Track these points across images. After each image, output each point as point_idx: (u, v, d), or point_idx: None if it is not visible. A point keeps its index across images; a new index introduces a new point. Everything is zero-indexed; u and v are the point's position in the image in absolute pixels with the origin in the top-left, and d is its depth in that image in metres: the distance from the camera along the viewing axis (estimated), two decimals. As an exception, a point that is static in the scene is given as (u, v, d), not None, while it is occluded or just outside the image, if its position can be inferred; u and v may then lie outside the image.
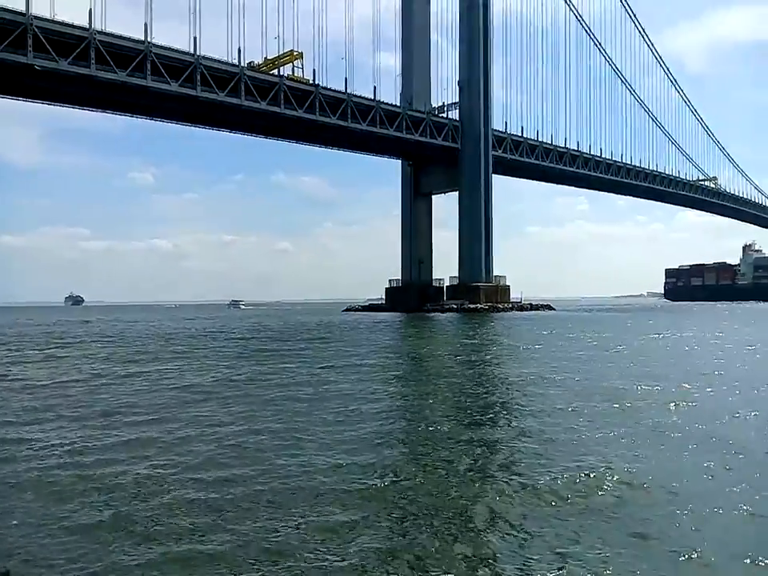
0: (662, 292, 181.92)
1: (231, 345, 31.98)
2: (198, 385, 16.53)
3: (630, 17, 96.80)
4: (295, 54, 68.11)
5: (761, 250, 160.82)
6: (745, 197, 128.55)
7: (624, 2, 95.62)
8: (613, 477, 7.57)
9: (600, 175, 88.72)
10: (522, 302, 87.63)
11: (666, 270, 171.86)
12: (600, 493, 7.12)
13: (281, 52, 67.12)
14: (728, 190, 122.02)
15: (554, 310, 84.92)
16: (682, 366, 19.73)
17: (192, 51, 56.54)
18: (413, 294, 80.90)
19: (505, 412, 12.54)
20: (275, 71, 65.40)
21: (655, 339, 32.81)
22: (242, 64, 60.52)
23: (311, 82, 66.20)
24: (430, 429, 10.79)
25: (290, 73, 66.71)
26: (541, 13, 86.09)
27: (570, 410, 12.14)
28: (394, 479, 7.79)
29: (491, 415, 12.18)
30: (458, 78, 78.58)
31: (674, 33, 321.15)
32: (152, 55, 53.16)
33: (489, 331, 42.12)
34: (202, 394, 14.83)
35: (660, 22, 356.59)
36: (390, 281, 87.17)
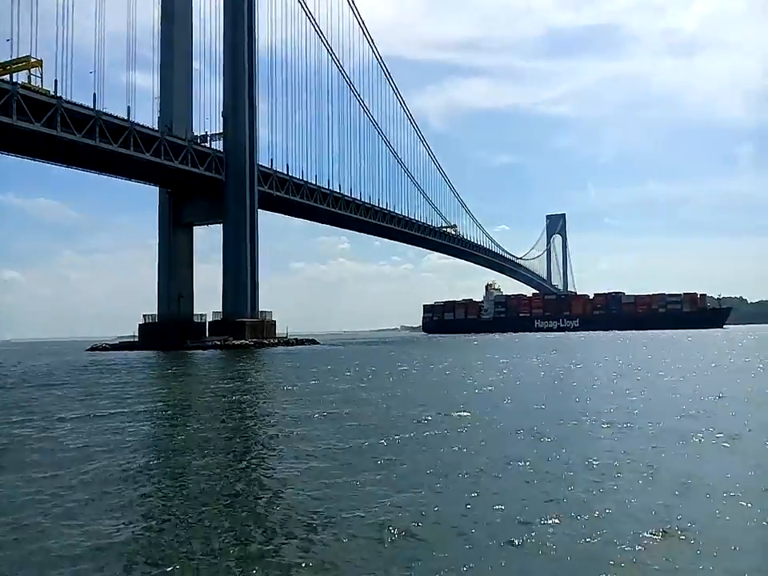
0: (414, 325, 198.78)
1: None
2: None
3: (385, 74, 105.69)
4: (33, 60, 60.67)
5: (500, 289, 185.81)
6: (479, 243, 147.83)
7: (380, 61, 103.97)
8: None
9: (359, 217, 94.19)
10: (288, 337, 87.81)
11: (423, 305, 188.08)
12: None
13: (14, 57, 59.32)
14: (466, 237, 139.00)
15: (319, 344, 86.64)
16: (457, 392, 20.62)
17: None
18: (171, 330, 75.63)
19: (256, 460, 11.88)
20: (6, 77, 57.44)
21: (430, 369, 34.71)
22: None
23: (52, 93, 59.37)
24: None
25: (26, 81, 59.25)
26: (305, 58, 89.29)
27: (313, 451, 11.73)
28: None
29: (239, 466, 11.33)
30: (222, 109, 77.28)
31: (420, 94, 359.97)
32: None
33: (251, 368, 40.74)
34: None
35: (409, 83, 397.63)
36: (144, 316, 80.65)
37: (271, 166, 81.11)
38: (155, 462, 12.11)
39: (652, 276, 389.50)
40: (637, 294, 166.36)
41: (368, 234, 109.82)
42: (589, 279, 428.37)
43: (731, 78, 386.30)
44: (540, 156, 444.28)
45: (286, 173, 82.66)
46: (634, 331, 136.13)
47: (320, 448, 12.47)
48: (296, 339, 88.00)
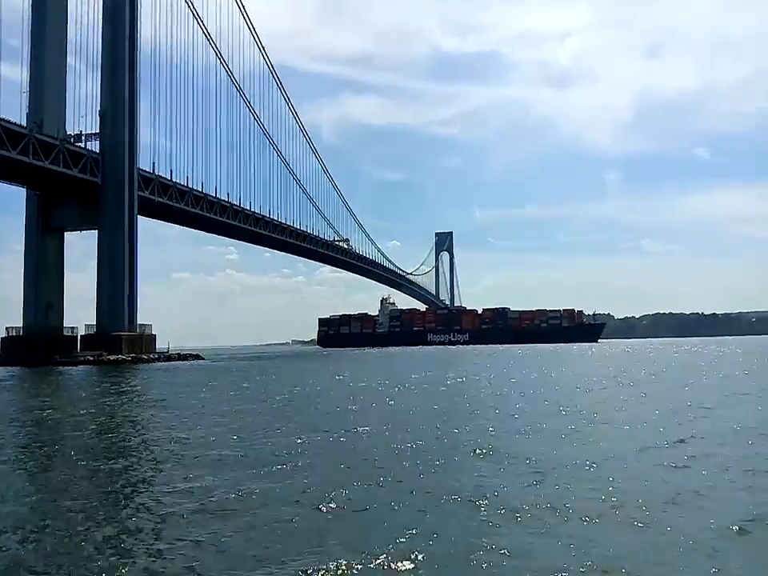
0: (306, 339, 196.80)
1: None
2: None
3: (277, 82, 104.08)
4: None
5: (394, 303, 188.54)
6: (372, 258, 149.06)
7: (271, 69, 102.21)
8: None
9: (249, 227, 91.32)
10: (170, 352, 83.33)
11: (319, 319, 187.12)
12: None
13: None
14: (358, 251, 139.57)
15: (203, 359, 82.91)
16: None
17: None
18: (38, 344, 69.00)
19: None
20: None
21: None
22: None
23: None
24: None
25: None
26: (192, 60, 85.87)
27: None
28: None
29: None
30: (99, 108, 72.34)
31: (313, 106, 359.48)
32: None
33: (123, 387, 37.51)
34: None
35: (301, 94, 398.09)
36: (7, 329, 73.18)
37: (153, 170, 76.82)
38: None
39: (534, 292, 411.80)
40: (522, 309, 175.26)
41: (258, 244, 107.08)
42: (475, 295, 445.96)
43: (600, 109, 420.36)
44: (430, 174, 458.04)
45: (169, 178, 78.58)
46: (519, 345, 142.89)
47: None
48: (178, 354, 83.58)
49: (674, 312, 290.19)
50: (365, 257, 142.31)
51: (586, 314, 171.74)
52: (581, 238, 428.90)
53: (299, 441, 14.80)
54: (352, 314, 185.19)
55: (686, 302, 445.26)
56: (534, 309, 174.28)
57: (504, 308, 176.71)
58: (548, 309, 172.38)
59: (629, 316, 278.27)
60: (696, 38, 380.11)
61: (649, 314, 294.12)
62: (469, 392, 29.02)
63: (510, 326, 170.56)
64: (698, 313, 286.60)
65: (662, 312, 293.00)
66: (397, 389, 31.00)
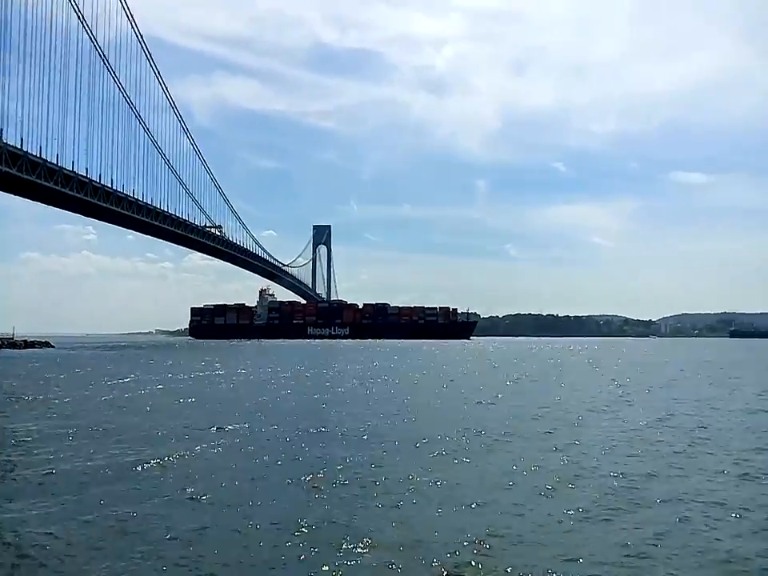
0: (172, 329, 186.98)
1: None
2: None
3: (146, 54, 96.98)
4: None
5: (273, 295, 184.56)
6: (246, 247, 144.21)
7: (140, 39, 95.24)
8: None
9: (110, 207, 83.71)
10: (15, 338, 75.68)
11: (192, 308, 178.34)
12: None
13: None
14: (232, 239, 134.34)
15: (53, 347, 76.08)
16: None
17: None
18: None
19: None
20: None
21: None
22: None
23: None
24: None
25: None
26: (50, 19, 77.11)
27: None
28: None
29: None
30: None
31: (185, 83, 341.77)
32: None
33: None
34: None
35: (173, 69, 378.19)
36: None
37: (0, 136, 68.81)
38: None
39: (412, 289, 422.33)
40: (401, 305, 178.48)
41: (120, 226, 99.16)
42: (351, 289, 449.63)
43: (471, 118, 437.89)
44: (306, 166, 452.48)
45: (19, 147, 70.68)
46: (398, 340, 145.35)
47: None
48: (24, 341, 76.33)
49: (532, 313, 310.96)
50: (238, 245, 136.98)
51: (460, 312, 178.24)
52: (452, 239, 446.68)
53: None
54: (228, 304, 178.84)
55: (544, 303, 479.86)
56: (412, 305, 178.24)
57: (384, 304, 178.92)
58: (425, 306, 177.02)
59: (493, 315, 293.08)
60: (556, 59, 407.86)
61: (511, 314, 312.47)
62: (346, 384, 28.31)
63: (390, 322, 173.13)
64: (553, 314, 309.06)
65: (522, 313, 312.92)
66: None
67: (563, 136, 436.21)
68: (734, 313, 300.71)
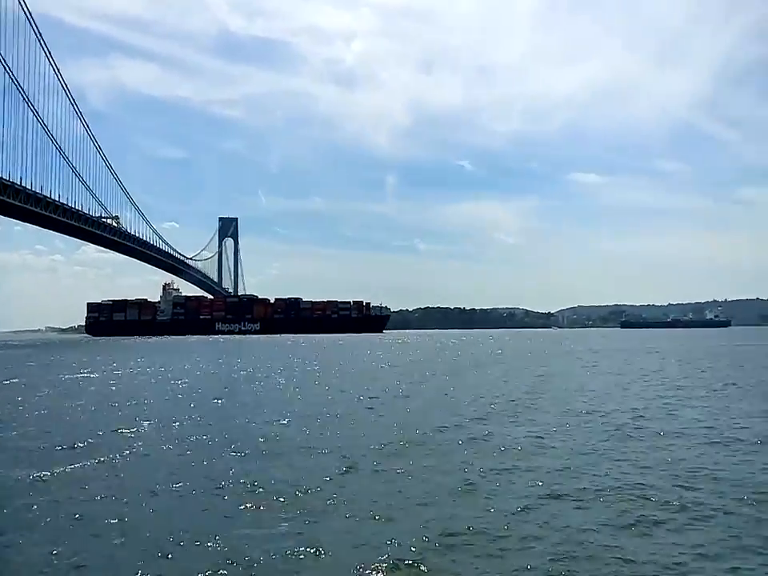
0: (64, 327, 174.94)
1: None
2: None
3: (35, 33, 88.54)
4: None
5: (178, 290, 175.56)
6: (146, 239, 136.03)
7: (29, 16, 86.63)
8: None
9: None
10: None
11: (88, 303, 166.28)
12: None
13: None
14: (130, 231, 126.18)
15: None
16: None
17: None
18: None
19: None
20: None
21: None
22: None
23: None
24: None
25: None
26: None
27: None
28: None
29: None
30: None
31: (78, 65, 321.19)
32: None
33: None
34: None
35: (64, 50, 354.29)
36: None
37: None
38: None
39: (323, 283, 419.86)
40: (314, 300, 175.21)
41: (6, 216, 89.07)
42: (260, 284, 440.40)
43: (381, 114, 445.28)
44: (211, 155, 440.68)
45: None
46: (312, 335, 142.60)
47: None
48: None
49: (441, 306, 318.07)
50: (137, 237, 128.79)
51: (373, 306, 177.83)
52: (363, 234, 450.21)
53: None
54: (129, 299, 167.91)
55: (452, 297, 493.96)
56: (325, 300, 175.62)
57: (296, 298, 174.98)
58: (339, 300, 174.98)
59: (403, 309, 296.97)
60: (463, 59, 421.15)
61: (421, 308, 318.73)
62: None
63: (303, 316, 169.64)
64: (461, 308, 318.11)
65: (431, 306, 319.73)
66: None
67: (470, 135, 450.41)
68: (624, 305, 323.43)
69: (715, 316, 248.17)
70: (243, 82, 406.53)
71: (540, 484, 9.54)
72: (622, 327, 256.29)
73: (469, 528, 7.59)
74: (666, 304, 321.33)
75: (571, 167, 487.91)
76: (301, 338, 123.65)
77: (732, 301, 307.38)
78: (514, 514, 8.18)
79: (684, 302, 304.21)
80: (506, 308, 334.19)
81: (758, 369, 33.42)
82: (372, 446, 12.50)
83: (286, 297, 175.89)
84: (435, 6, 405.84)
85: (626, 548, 6.95)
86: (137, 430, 14.84)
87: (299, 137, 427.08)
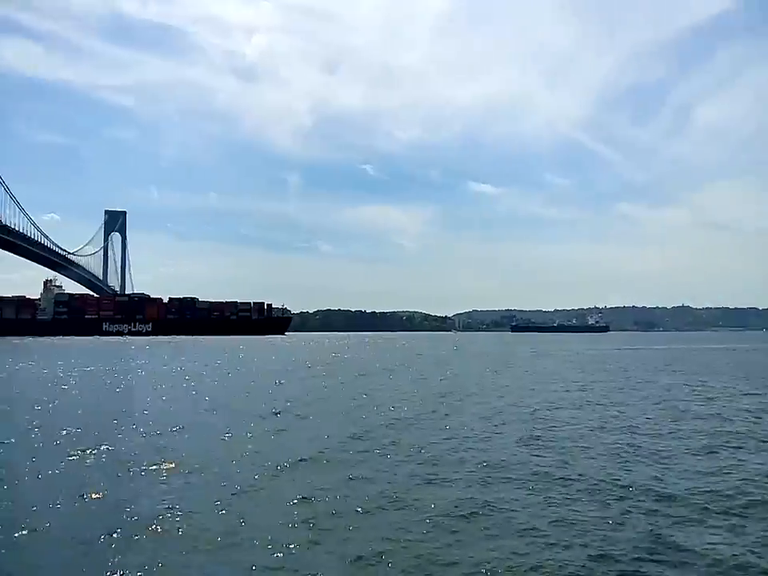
0: None
1: None
2: None
3: None
4: None
5: (61, 287, 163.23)
6: (21, 231, 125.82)
7: None
8: None
9: None
10: None
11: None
12: None
13: None
14: (3, 222, 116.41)
15: None
16: None
17: None
18: None
19: None
20: None
21: None
22: None
23: None
24: None
25: None
26: None
27: None
28: None
29: None
30: None
31: None
32: None
33: None
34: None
35: None
36: None
37: None
38: None
39: (220, 283, 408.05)
40: (212, 300, 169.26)
41: None
42: (149, 282, 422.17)
43: (283, 111, 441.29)
44: (99, 143, 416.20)
45: None
46: (208, 336, 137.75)
47: None
48: None
49: (342, 308, 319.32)
50: (11, 228, 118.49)
51: (275, 307, 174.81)
52: (263, 233, 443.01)
53: None
54: (4, 296, 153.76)
55: (353, 300, 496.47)
56: (224, 300, 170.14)
57: (192, 298, 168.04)
58: (238, 301, 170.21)
59: (304, 311, 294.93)
60: (365, 62, 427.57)
61: (321, 310, 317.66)
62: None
63: (199, 317, 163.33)
64: (362, 310, 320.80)
65: (332, 308, 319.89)
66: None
67: (372, 139, 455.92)
68: (515, 310, 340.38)
69: (596, 322, 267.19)
70: (135, 68, 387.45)
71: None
72: (512, 331, 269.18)
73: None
74: (552, 310, 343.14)
75: (468, 177, 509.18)
76: (200, 339, 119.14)
77: (611, 308, 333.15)
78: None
79: (569, 308, 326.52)
80: (406, 311, 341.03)
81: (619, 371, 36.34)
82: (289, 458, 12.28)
83: (181, 296, 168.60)
84: (337, 5, 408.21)
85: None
86: None
87: (195, 129, 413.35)
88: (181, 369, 39.28)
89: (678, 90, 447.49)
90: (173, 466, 11.29)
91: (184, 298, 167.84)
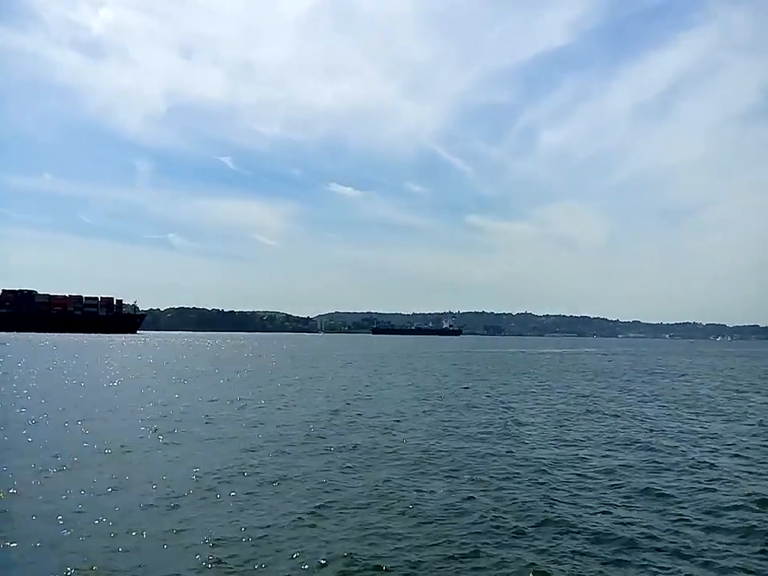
0: None
1: None
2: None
3: None
4: None
5: None
6: None
7: None
8: None
9: None
10: None
11: None
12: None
13: None
14: None
15: None
16: None
17: None
18: None
19: None
20: None
21: None
22: None
23: None
24: None
25: None
26: None
27: None
28: None
29: None
30: None
31: None
32: None
33: None
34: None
35: None
36: None
37: None
38: None
39: (60, 275, 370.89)
40: (53, 293, 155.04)
41: None
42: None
43: (133, 94, 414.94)
44: None
45: None
46: (51, 334, 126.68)
47: None
48: None
49: (197, 307, 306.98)
50: None
51: (126, 303, 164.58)
52: (109, 222, 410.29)
53: None
54: None
55: (208, 298, 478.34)
56: (67, 294, 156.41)
57: (30, 291, 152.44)
58: (84, 296, 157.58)
59: (154, 308, 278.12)
60: (225, 52, 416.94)
61: (174, 308, 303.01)
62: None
63: (37, 312, 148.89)
64: (218, 309, 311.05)
65: (186, 306, 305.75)
66: None
67: (232, 132, 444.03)
68: (376, 313, 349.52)
69: (450, 325, 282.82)
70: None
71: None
72: (373, 333, 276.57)
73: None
74: (410, 313, 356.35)
75: (330, 178, 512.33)
76: (42, 337, 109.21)
77: (464, 312, 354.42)
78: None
79: (425, 312, 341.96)
80: (266, 311, 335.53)
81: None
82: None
83: (17, 288, 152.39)
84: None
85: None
86: None
87: (29, 103, 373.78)
88: None
89: (526, 114, 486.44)
90: None
91: (19, 290, 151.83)
